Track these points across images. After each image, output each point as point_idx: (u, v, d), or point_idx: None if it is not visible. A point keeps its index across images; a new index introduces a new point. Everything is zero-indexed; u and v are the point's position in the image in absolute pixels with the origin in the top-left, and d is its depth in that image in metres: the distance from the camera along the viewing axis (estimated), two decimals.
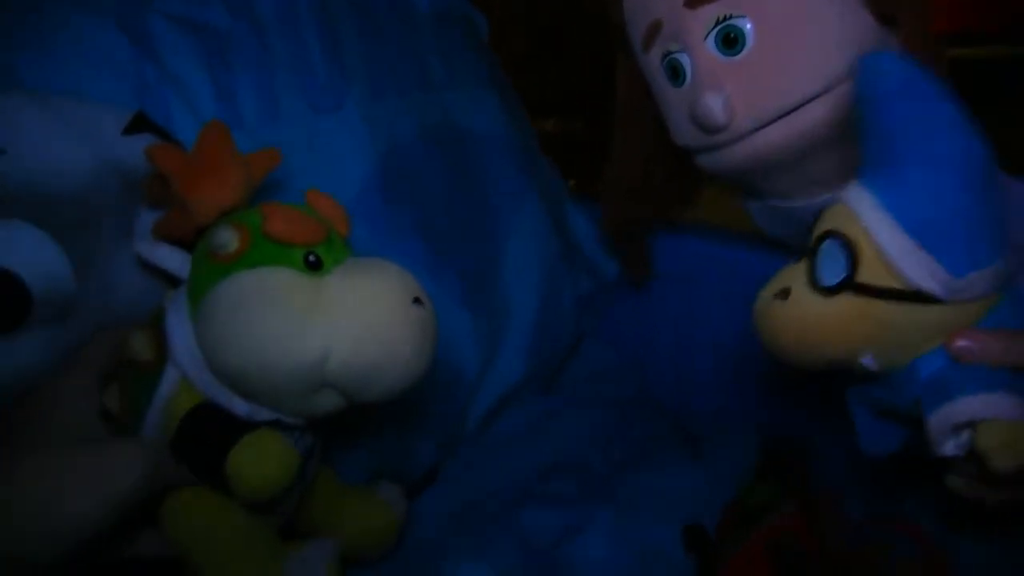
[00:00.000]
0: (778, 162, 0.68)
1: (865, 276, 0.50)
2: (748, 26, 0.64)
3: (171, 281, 0.57)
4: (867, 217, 0.50)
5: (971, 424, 0.48)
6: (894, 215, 0.49)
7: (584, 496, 0.74)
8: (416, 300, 0.53)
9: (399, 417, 0.75)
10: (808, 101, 0.64)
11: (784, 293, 0.53)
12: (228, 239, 0.52)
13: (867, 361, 0.52)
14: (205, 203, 0.55)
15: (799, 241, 0.60)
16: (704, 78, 0.66)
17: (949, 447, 0.49)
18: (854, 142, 0.63)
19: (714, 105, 0.65)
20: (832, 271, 0.51)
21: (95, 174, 0.57)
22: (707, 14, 0.65)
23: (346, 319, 0.51)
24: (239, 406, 0.52)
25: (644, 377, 0.92)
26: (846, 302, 0.51)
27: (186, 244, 0.56)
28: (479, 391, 0.84)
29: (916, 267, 0.49)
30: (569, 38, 0.88)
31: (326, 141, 0.74)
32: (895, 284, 0.50)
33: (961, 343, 0.50)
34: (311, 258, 0.52)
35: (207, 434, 0.52)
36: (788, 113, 0.65)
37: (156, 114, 0.65)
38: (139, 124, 0.61)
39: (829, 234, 0.52)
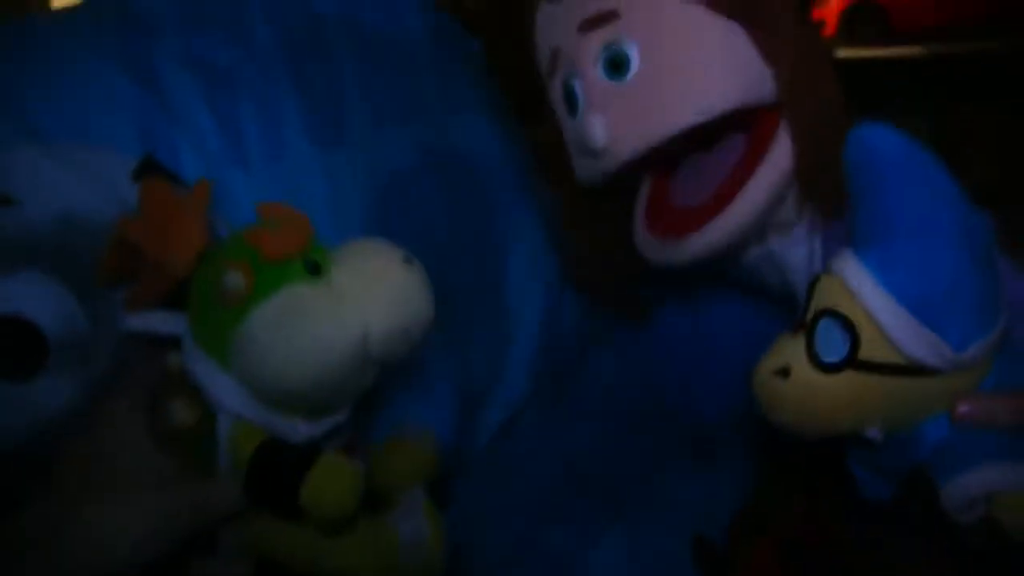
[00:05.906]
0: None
1: (867, 353, 0.50)
2: (634, 50, 0.64)
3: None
4: (867, 296, 0.50)
5: (987, 495, 0.48)
6: (894, 294, 0.49)
7: (596, 510, 0.74)
8: (407, 260, 0.58)
9: None
10: (693, 127, 0.64)
11: (784, 372, 0.53)
12: (236, 281, 0.54)
13: (872, 433, 0.52)
14: (183, 255, 0.56)
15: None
16: (590, 101, 0.66)
17: (966, 517, 0.49)
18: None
19: (595, 124, 0.65)
20: (832, 349, 0.51)
21: (108, 219, 0.58)
22: (596, 39, 0.66)
23: (369, 298, 0.55)
24: (300, 427, 0.56)
25: (652, 386, 0.92)
26: (849, 379, 0.51)
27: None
28: (485, 409, 0.85)
29: (919, 344, 0.49)
30: None
31: (329, 174, 0.75)
32: (898, 360, 0.50)
33: (964, 409, 0.51)
34: (311, 265, 0.55)
35: (276, 474, 0.54)
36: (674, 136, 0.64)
37: (163, 154, 0.65)
38: (147, 168, 0.63)
39: (826, 312, 0.52)
